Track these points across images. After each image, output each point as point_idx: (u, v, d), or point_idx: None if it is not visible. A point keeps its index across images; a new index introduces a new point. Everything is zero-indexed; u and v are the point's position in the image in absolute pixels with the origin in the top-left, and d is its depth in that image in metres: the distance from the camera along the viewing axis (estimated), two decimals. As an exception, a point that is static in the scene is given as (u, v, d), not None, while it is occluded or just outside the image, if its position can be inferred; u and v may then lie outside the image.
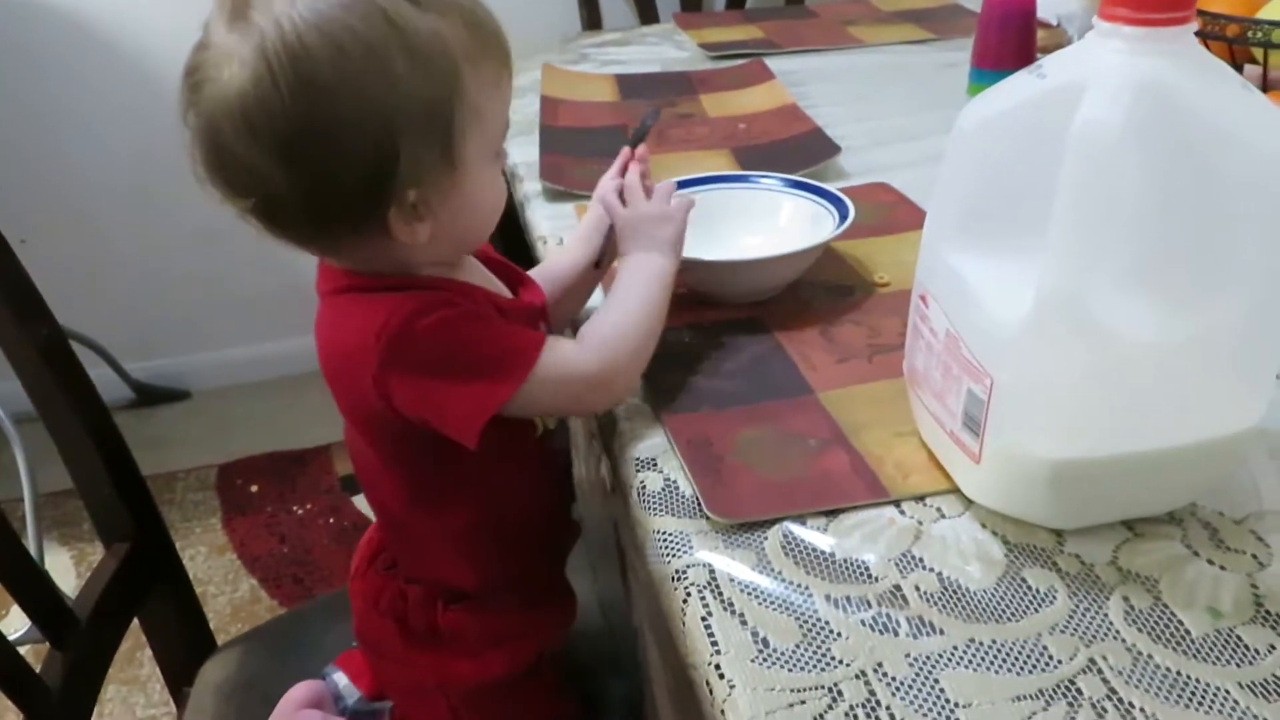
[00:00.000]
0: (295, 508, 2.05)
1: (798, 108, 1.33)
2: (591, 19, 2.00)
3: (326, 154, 0.60)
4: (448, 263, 0.72)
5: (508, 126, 0.69)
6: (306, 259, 0.70)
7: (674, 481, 0.66)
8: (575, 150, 1.24)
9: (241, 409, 2.44)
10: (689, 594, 0.58)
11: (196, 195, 0.64)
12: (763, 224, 0.94)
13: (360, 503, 2.04)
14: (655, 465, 0.68)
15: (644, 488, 0.66)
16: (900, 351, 0.77)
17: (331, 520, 2.00)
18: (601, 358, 0.69)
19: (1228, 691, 0.50)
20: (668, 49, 1.70)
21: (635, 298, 0.73)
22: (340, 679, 0.92)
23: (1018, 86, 0.57)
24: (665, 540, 0.62)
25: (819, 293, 0.87)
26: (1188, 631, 0.53)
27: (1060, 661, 0.52)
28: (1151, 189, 0.52)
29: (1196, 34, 0.53)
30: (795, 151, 1.18)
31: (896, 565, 0.58)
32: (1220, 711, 0.49)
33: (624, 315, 0.72)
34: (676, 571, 0.59)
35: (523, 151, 1.26)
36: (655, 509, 0.64)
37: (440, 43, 0.61)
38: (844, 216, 0.88)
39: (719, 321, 0.84)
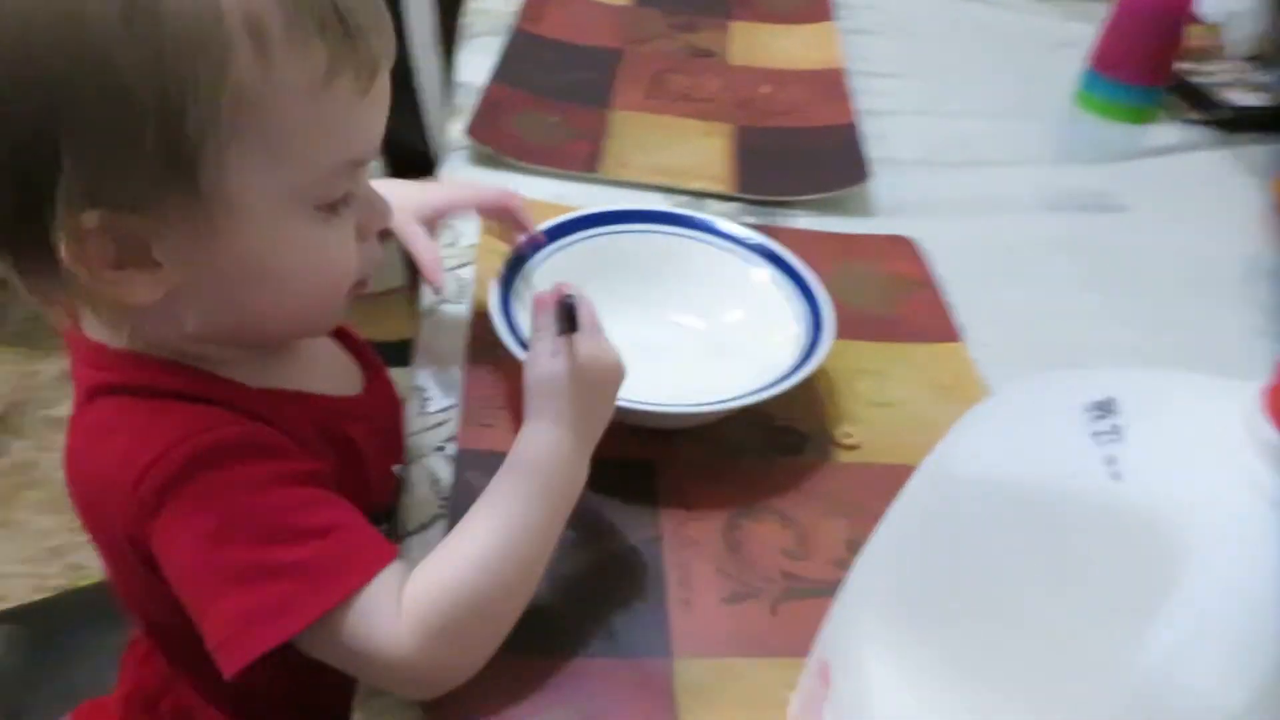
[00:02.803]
0: None
1: (842, 77, 1.01)
2: None
3: None
4: (249, 347, 0.49)
5: (364, 157, 0.46)
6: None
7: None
8: (536, 81, 0.94)
9: None
10: None
11: None
12: (705, 297, 0.67)
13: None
14: (388, 749, 0.45)
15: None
16: (825, 599, 0.53)
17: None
18: (423, 638, 0.43)
19: None
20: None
21: (510, 526, 0.46)
22: (62, 748, 0.73)
23: (1069, 457, 0.30)
24: None
25: (754, 437, 0.61)
26: None
27: None
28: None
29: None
30: (813, 159, 0.88)
31: None
32: None
33: (482, 561, 0.45)
34: None
35: (472, 66, 0.97)
36: None
37: (207, 7, 0.39)
38: (812, 346, 0.61)
39: (595, 461, 0.58)
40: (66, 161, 0.39)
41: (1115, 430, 0.28)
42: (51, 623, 0.84)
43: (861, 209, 0.85)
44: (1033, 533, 0.29)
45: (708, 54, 1.05)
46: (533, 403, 0.49)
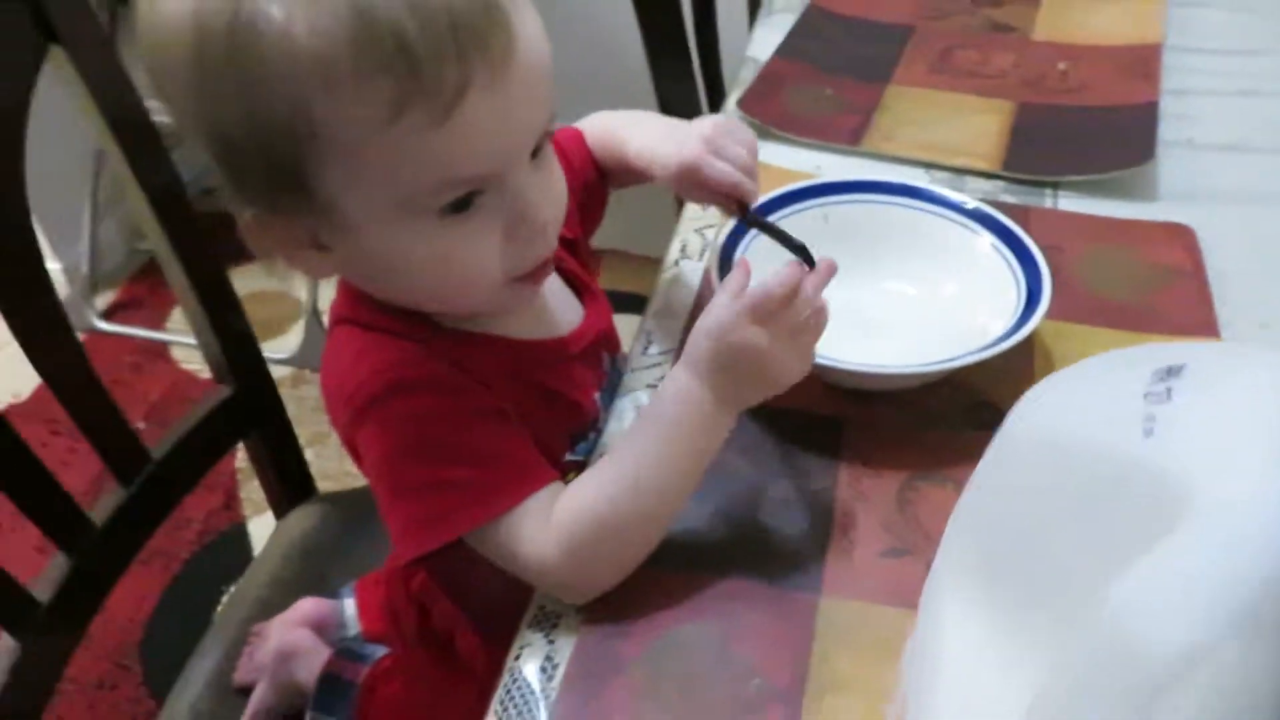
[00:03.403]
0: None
1: (1156, 54, 0.95)
2: None
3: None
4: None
5: (466, 175, 0.47)
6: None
7: (554, 670, 0.50)
8: (818, 56, 0.97)
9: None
10: None
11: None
12: (923, 266, 0.68)
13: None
14: (554, 627, 0.52)
15: (519, 657, 0.51)
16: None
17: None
18: (564, 553, 0.50)
19: None
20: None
21: (649, 465, 0.51)
22: (349, 606, 0.88)
23: (1114, 414, 0.30)
24: (483, 760, 0.47)
25: (952, 409, 0.62)
26: None
27: None
28: None
29: None
30: (1093, 139, 0.84)
31: None
32: None
33: (621, 493, 0.51)
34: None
35: (765, 42, 1.01)
36: (504, 704, 0.49)
37: (280, 52, 0.43)
38: (1028, 311, 0.60)
39: (786, 411, 0.61)
40: (218, 171, 0.48)
41: (1167, 393, 0.28)
42: (358, 507, 1.00)
43: (1144, 194, 0.80)
44: (1073, 484, 0.29)
45: (1008, 29, 1.02)
46: (691, 347, 0.52)
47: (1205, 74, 0.94)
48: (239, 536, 1.54)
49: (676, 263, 0.75)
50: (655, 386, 0.65)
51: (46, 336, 0.73)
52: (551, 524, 0.51)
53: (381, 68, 0.42)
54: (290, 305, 1.92)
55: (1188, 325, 0.66)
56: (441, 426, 0.52)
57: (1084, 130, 0.85)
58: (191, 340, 1.96)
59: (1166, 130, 0.84)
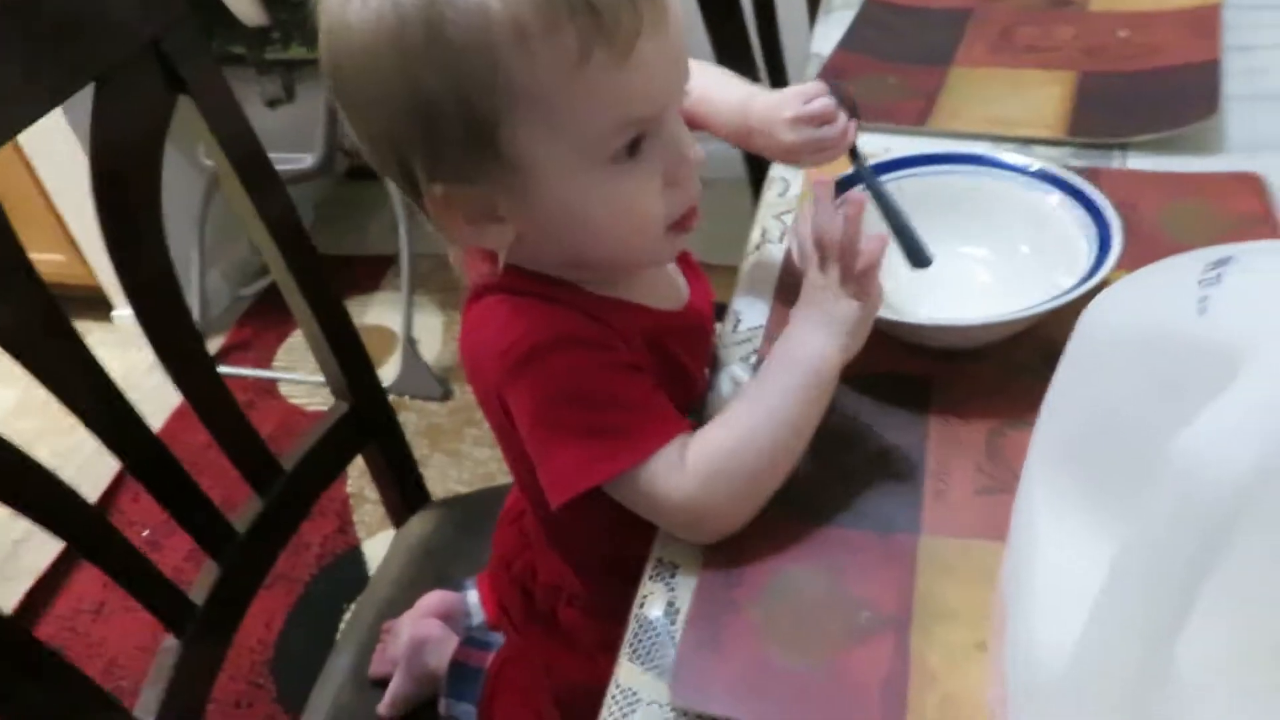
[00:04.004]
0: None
1: (1215, 14, 0.96)
2: None
3: (355, 125, 0.56)
4: (596, 274, 0.61)
5: (642, 114, 0.52)
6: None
7: (676, 614, 0.54)
8: (880, 47, 1.00)
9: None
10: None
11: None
12: (995, 230, 0.71)
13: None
14: (673, 575, 0.56)
15: (643, 605, 0.55)
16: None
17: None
18: (702, 488, 0.55)
19: None
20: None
21: (773, 407, 0.56)
22: (472, 597, 0.93)
23: (1171, 299, 0.33)
24: (618, 698, 0.51)
25: (1034, 358, 0.64)
26: None
27: None
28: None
29: None
30: (1157, 98, 0.86)
31: None
32: None
33: (749, 432, 0.56)
34: (604, 749, 0.49)
35: (827, 39, 1.05)
36: (635, 646, 0.53)
37: (478, 21, 0.48)
38: (1101, 258, 0.62)
39: (870, 375, 0.65)
40: (416, 150, 0.53)
41: (1218, 278, 0.31)
42: (471, 509, 1.06)
43: (1211, 147, 0.82)
44: (1139, 368, 0.32)
45: (1066, 4, 1.04)
46: (804, 302, 0.58)
47: (1271, 29, 0.95)
48: (354, 557, 1.62)
49: (758, 247, 0.79)
50: (747, 360, 0.69)
51: (186, 356, 0.80)
52: (688, 464, 0.55)
53: (567, 18, 0.48)
54: (386, 338, 2.01)
55: (1264, 265, 0.68)
56: (592, 378, 0.57)
57: (1147, 91, 0.87)
58: (296, 376, 2.05)
59: (1233, 85, 0.86)
